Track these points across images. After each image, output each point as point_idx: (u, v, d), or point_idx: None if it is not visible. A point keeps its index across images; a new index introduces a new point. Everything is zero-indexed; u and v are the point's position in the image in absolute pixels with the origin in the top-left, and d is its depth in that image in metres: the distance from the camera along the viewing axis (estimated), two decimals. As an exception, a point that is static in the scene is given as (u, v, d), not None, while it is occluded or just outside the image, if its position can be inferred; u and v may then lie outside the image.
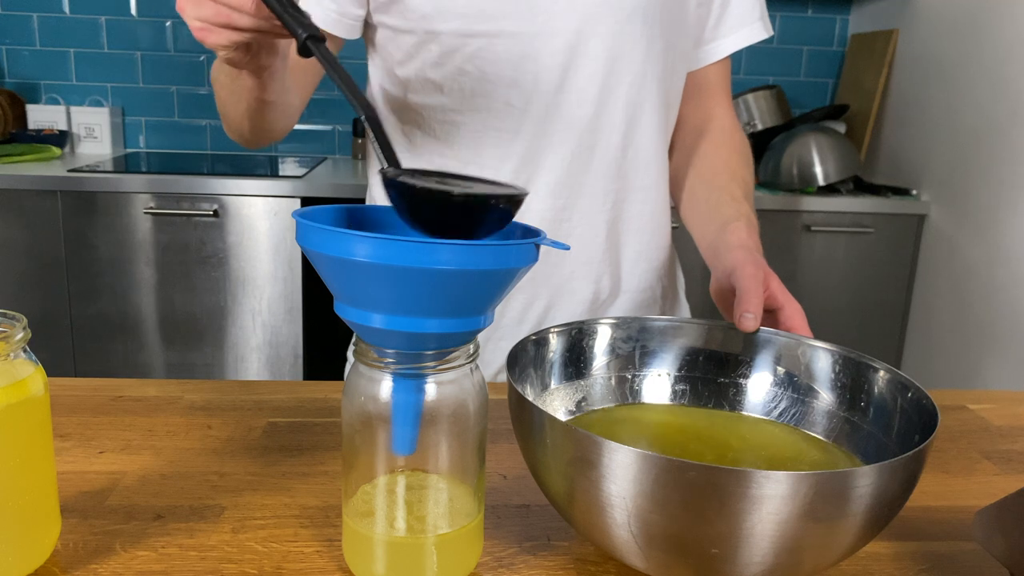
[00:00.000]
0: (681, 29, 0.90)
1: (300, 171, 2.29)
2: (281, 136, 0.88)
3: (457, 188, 0.49)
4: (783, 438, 0.64)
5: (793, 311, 0.71)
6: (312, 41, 0.56)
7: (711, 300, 0.82)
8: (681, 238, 1.03)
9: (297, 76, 0.85)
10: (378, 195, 0.97)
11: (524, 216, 0.88)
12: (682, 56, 0.92)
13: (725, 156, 0.96)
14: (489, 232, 0.50)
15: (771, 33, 0.99)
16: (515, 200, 0.50)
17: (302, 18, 0.57)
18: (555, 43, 0.84)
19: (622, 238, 0.94)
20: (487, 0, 0.82)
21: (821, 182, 2.27)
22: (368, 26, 0.91)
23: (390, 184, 0.49)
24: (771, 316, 0.73)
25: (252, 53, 0.66)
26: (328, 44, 0.87)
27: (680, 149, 0.98)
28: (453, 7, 0.82)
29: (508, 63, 0.84)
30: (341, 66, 0.55)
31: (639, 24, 0.85)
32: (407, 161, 0.92)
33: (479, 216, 0.49)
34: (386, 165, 0.52)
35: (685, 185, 0.98)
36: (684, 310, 1.05)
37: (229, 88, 0.78)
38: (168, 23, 2.61)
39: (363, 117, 0.54)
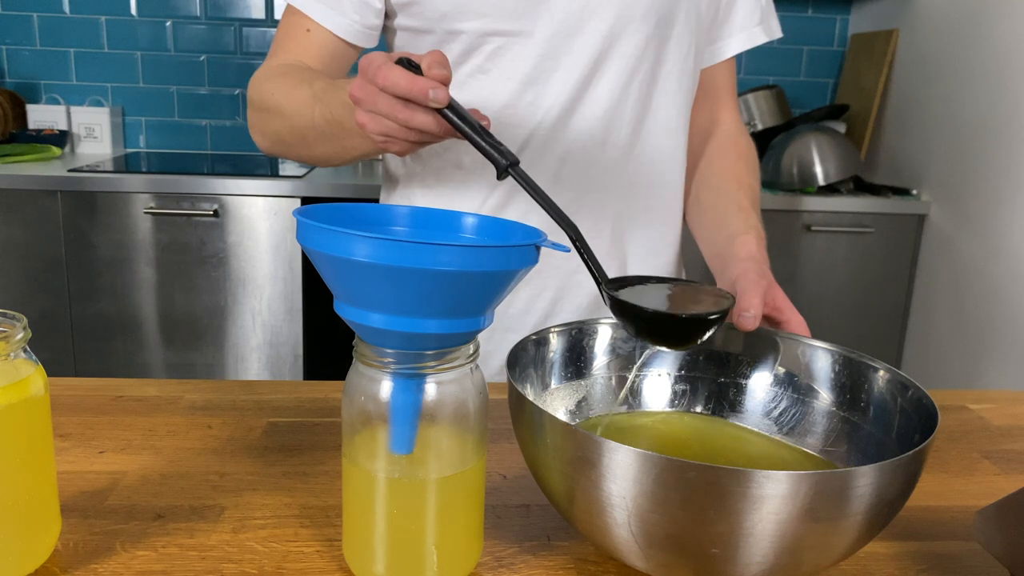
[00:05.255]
0: (695, 28, 0.91)
1: (300, 171, 2.29)
2: None
3: (684, 311, 0.59)
4: (779, 451, 0.64)
5: (797, 324, 0.72)
6: (512, 168, 0.59)
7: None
8: (682, 239, 1.02)
9: None
10: (393, 196, 0.97)
11: (534, 209, 0.89)
12: (696, 54, 0.93)
13: (731, 162, 0.97)
14: (701, 339, 0.59)
15: (779, 35, 0.99)
16: (726, 313, 0.58)
17: (499, 146, 0.59)
18: (574, 43, 0.84)
19: (628, 233, 0.94)
20: (507, 0, 0.82)
21: (821, 182, 2.27)
22: (387, 31, 0.92)
23: (617, 304, 0.58)
24: (774, 327, 0.73)
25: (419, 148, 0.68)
26: (347, 54, 0.89)
27: (687, 152, 0.99)
28: (472, 7, 0.82)
29: (528, 62, 0.84)
30: (539, 186, 0.59)
31: (655, 24, 0.86)
32: (421, 159, 0.92)
33: (698, 329, 0.58)
34: (600, 280, 0.60)
35: (691, 190, 0.98)
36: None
37: (332, 139, 0.79)
38: (168, 23, 2.61)
39: (570, 238, 0.58)
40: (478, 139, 0.59)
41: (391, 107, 0.61)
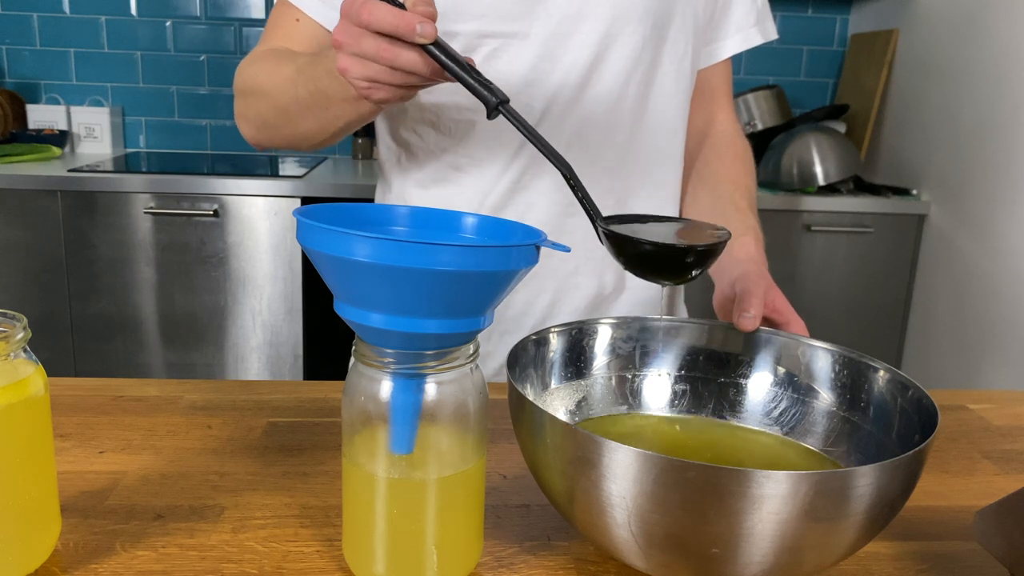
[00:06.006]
0: (691, 30, 0.91)
1: (300, 171, 2.29)
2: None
3: (681, 241, 0.58)
4: (776, 449, 0.64)
5: (796, 326, 0.72)
6: (503, 106, 0.58)
7: (708, 303, 0.82)
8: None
9: None
10: (389, 197, 0.97)
11: (531, 211, 0.89)
12: (692, 56, 0.93)
13: (728, 163, 0.97)
14: (700, 272, 0.60)
15: (774, 37, 0.99)
16: (723, 245, 0.58)
17: (489, 84, 0.59)
18: (571, 45, 0.84)
19: None
20: (504, 1, 0.82)
21: (821, 182, 2.27)
22: None
23: (612, 237, 0.58)
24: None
25: (405, 97, 0.67)
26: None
27: (684, 154, 0.99)
28: (470, 8, 0.82)
29: (525, 64, 0.84)
30: (530, 125, 0.58)
31: (651, 26, 0.86)
32: (417, 160, 0.92)
33: (695, 260, 0.58)
34: (594, 216, 0.60)
35: (688, 190, 0.98)
36: (683, 311, 1.05)
37: (316, 111, 0.77)
38: (168, 23, 2.61)
39: (564, 175, 0.59)
40: (467, 77, 0.58)
41: (376, 47, 0.59)
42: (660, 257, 0.58)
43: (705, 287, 0.87)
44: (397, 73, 0.61)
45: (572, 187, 0.59)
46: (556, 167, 0.58)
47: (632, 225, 0.61)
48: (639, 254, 0.58)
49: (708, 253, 0.58)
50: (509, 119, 0.58)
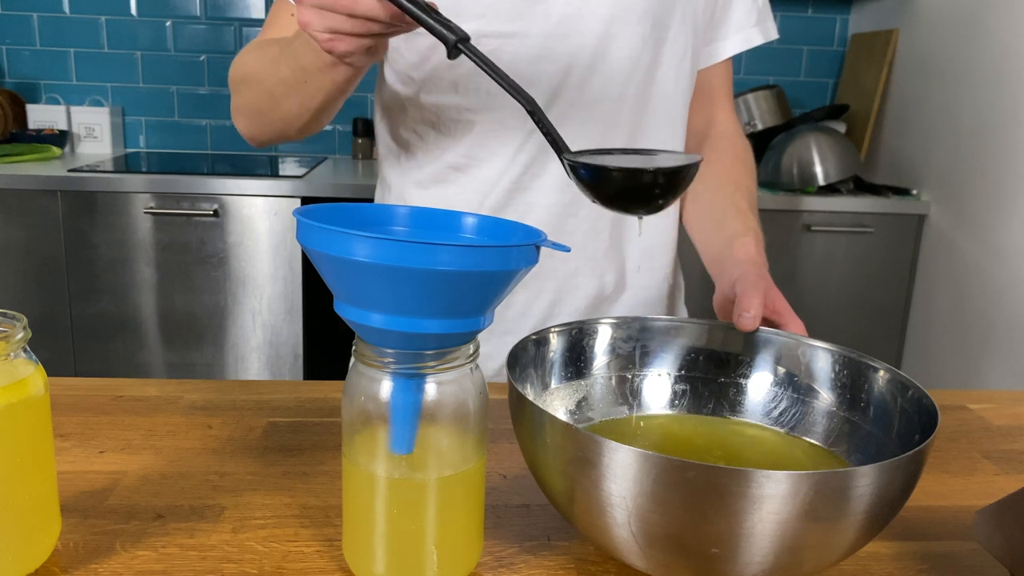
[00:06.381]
0: (691, 30, 0.91)
1: (300, 171, 2.29)
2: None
3: (649, 164, 0.57)
4: (783, 446, 0.64)
5: (796, 328, 0.72)
6: (463, 44, 0.58)
7: (708, 303, 0.82)
8: (679, 242, 1.02)
9: None
10: (388, 197, 0.97)
11: (531, 211, 0.89)
12: (692, 56, 0.93)
13: (729, 163, 0.97)
14: (672, 197, 0.58)
15: (775, 37, 0.99)
16: (694, 168, 0.56)
17: (448, 22, 0.59)
18: (569, 44, 0.84)
19: (626, 235, 0.94)
20: (503, 1, 0.82)
21: (821, 182, 2.27)
22: None
23: (577, 167, 0.57)
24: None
25: (372, 52, 0.67)
26: None
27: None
28: (469, 8, 0.82)
29: (524, 63, 0.84)
30: (494, 63, 0.58)
31: (651, 26, 0.86)
32: (417, 160, 0.92)
33: (666, 186, 0.56)
34: (560, 149, 0.59)
35: (688, 192, 0.98)
36: (683, 311, 1.05)
37: (298, 87, 0.78)
38: (168, 23, 2.61)
39: (527, 111, 0.58)
40: (425, 17, 0.58)
41: None
42: (629, 184, 0.56)
43: (705, 287, 0.87)
44: (357, 21, 0.61)
45: (536, 121, 0.59)
46: (519, 102, 0.58)
47: (599, 156, 0.60)
48: (607, 182, 0.57)
49: (677, 175, 0.56)
50: (469, 56, 0.58)
